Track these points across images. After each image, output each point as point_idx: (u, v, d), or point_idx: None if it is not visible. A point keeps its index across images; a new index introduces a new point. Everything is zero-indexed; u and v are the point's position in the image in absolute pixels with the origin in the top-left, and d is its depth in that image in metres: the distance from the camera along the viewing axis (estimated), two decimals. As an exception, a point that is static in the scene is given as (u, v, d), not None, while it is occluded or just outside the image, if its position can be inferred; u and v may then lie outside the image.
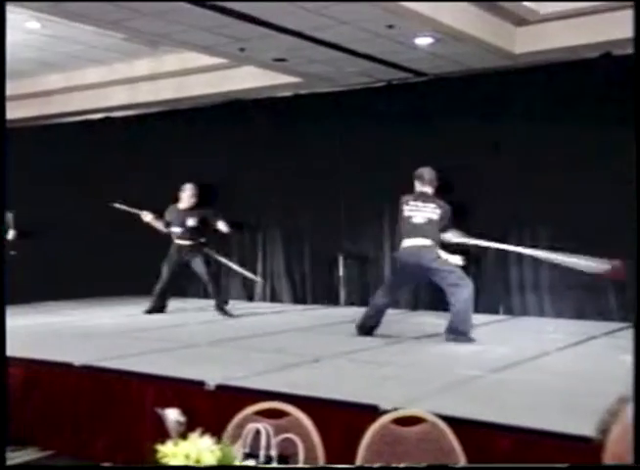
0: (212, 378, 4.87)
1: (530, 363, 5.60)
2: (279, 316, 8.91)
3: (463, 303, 6.48)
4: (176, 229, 8.87)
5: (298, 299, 10.07)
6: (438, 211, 6.75)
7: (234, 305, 9.71)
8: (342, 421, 4.05)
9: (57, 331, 7.48)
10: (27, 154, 11.89)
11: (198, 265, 8.77)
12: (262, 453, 2.51)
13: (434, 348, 6.39)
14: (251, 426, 2.65)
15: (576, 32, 7.66)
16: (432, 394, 4.45)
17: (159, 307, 8.87)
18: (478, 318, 7.73)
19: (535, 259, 8.46)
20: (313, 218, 9.83)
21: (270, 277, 10.35)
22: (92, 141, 11.36)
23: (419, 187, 6.94)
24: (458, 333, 6.45)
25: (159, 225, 9.05)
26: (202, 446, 1.82)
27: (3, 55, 3.53)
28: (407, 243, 6.68)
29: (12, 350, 6.02)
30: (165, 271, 8.86)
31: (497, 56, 8.08)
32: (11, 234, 10.16)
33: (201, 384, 4.86)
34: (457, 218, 7.13)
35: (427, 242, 6.64)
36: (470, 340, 6.44)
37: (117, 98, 10.81)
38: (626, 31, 7.05)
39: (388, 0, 6.38)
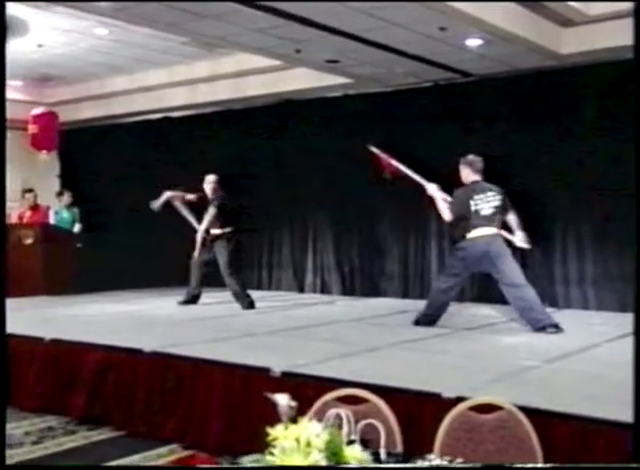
0: (277, 365, 4.88)
1: (582, 354, 5.53)
2: (330, 307, 8.89)
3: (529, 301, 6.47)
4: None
5: (347, 290, 10.06)
6: (499, 197, 6.59)
7: (285, 296, 9.75)
8: (404, 408, 4.02)
9: (124, 319, 7.57)
10: (93, 152, 12.10)
11: (219, 255, 8.46)
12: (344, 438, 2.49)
13: (487, 338, 6.35)
14: (333, 411, 2.64)
15: (624, 33, 7.49)
16: (490, 383, 4.40)
17: (191, 299, 8.73)
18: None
19: (580, 253, 8.41)
20: (361, 215, 9.81)
21: (320, 270, 10.36)
22: (152, 140, 11.49)
23: (471, 175, 6.67)
24: (545, 327, 6.38)
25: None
26: (311, 430, 1.82)
27: (3, 55, 3.46)
28: (476, 233, 6.50)
29: (87, 336, 6.19)
30: (198, 267, 8.68)
31: (543, 56, 8.00)
32: (77, 227, 10.32)
33: (266, 371, 4.87)
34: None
35: (495, 231, 6.53)
36: (558, 328, 6.37)
37: (177, 99, 10.91)
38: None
39: (437, 0, 6.30)
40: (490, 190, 6.61)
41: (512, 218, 6.68)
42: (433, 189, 6.93)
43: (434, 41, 7.43)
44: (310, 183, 10.15)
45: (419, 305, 8.14)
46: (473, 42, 7.50)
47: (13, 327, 6.58)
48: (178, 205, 8.82)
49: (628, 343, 5.99)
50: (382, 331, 6.82)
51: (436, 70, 8.59)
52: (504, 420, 2.66)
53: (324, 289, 10.26)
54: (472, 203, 6.51)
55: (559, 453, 3.36)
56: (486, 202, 6.53)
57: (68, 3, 6.78)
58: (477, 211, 6.49)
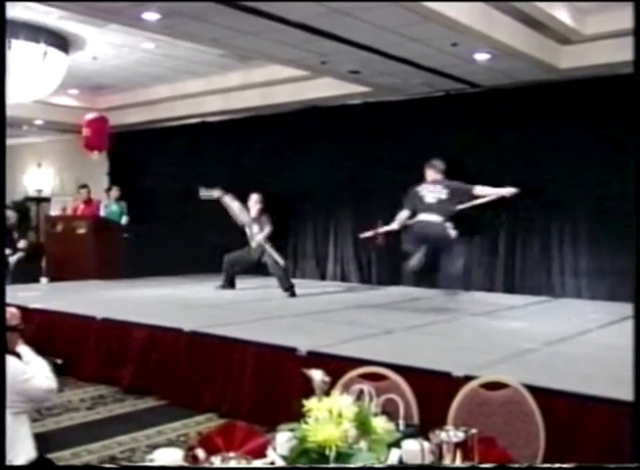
0: (303, 345, 4.89)
1: (578, 338, 5.50)
2: (350, 294, 8.84)
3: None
4: (248, 231, 8.64)
5: (365, 279, 10.04)
6: (446, 190, 6.97)
7: (308, 283, 9.72)
8: (419, 384, 4.01)
9: (166, 301, 7.60)
10: (138, 152, 12.18)
11: (268, 259, 8.49)
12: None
13: (491, 323, 6.31)
14: (356, 387, 2.65)
15: (615, 51, 7.46)
16: (495, 363, 4.40)
17: (230, 286, 8.77)
18: (524, 299, 7.67)
19: (576, 247, 8.34)
20: (378, 210, 9.75)
21: (340, 260, 10.35)
22: (190, 141, 11.53)
23: (433, 175, 7.18)
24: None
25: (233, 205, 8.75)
26: (342, 403, 1.83)
27: (3, 56, 3.36)
28: (421, 217, 7.01)
29: (134, 316, 6.24)
30: (237, 260, 8.71)
31: (544, 70, 7.94)
32: (124, 219, 10.38)
33: (293, 350, 4.88)
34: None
35: (438, 218, 6.91)
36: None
37: (212, 105, 10.91)
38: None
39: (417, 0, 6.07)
40: (441, 184, 7.06)
41: (482, 189, 7.02)
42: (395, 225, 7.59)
43: (447, 55, 7.38)
44: (332, 181, 10.13)
45: (430, 294, 8.16)
46: (481, 56, 7.45)
47: (68, 307, 6.73)
48: (228, 201, 8.71)
49: (617, 328, 6.03)
50: (396, 316, 6.79)
51: (448, 81, 8.53)
52: (510, 396, 2.66)
53: (344, 277, 10.24)
54: (419, 191, 7.08)
55: (559, 426, 3.36)
56: (430, 191, 7.00)
57: (120, 20, 6.79)
58: (422, 197, 7.04)
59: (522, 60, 7.53)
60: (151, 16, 6.28)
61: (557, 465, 2.17)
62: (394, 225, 7.55)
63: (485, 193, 7.02)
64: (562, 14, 7.09)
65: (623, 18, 7.14)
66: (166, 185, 11.70)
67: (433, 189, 7.03)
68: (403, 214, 7.35)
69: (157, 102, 11.32)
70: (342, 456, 1.81)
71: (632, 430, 2.67)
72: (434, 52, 7.27)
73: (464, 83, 8.67)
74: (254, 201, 8.72)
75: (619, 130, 7.61)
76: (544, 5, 6.77)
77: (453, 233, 6.95)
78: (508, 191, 6.96)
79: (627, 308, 6.76)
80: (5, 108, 3.66)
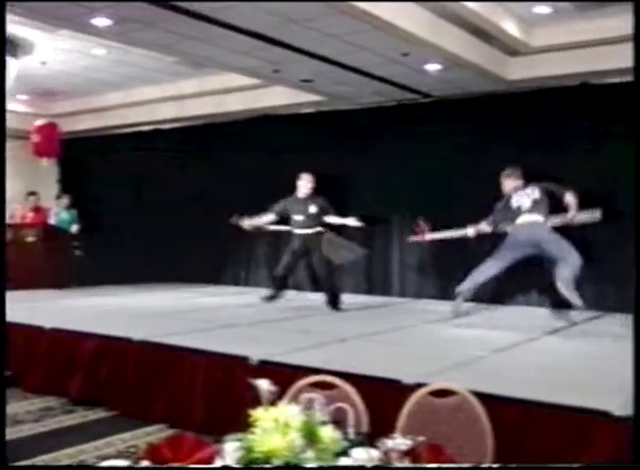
0: (255, 354, 4.84)
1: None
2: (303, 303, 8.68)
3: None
4: (298, 218, 7.75)
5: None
6: (537, 189, 6.67)
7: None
8: (369, 392, 4.00)
9: (115, 311, 7.46)
10: (90, 160, 11.99)
11: (316, 258, 7.71)
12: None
13: (444, 332, 6.29)
14: (306, 396, 2.63)
15: (560, 63, 7.66)
16: (447, 370, 4.41)
17: (277, 295, 7.93)
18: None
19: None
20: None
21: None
22: (143, 149, 11.36)
23: (512, 183, 6.84)
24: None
25: (257, 222, 8.10)
26: (288, 412, 1.81)
27: (3, 57, 3.28)
28: (520, 220, 6.63)
29: (83, 325, 6.11)
30: (287, 261, 7.85)
31: (493, 81, 8.06)
32: (74, 228, 10.19)
33: (245, 359, 4.83)
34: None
35: (540, 218, 6.58)
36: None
37: (166, 113, 10.82)
38: (603, 64, 7.16)
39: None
40: (528, 187, 6.74)
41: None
42: (470, 232, 7.22)
43: (398, 65, 7.42)
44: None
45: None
46: (431, 67, 7.52)
47: (16, 317, 6.54)
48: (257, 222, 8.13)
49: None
50: (350, 324, 6.73)
51: (400, 90, 8.58)
52: (459, 403, 2.67)
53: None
54: (506, 203, 6.79)
55: (508, 433, 3.38)
56: (520, 196, 6.69)
57: (70, 26, 6.67)
58: (511, 207, 6.71)
59: (471, 70, 7.63)
60: (101, 21, 6.19)
61: (563, 465, 2.18)
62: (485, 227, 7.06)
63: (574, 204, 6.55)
64: (510, 26, 7.23)
65: (570, 31, 7.35)
66: (118, 193, 11.52)
67: (522, 194, 6.68)
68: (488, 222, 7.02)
69: (109, 109, 11.17)
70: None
71: (633, 431, 2.71)
72: (385, 61, 7.31)
73: (415, 93, 8.73)
74: (308, 180, 7.87)
75: (564, 137, 7.76)
76: (493, 17, 6.89)
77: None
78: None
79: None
80: (5, 108, 3.57)
